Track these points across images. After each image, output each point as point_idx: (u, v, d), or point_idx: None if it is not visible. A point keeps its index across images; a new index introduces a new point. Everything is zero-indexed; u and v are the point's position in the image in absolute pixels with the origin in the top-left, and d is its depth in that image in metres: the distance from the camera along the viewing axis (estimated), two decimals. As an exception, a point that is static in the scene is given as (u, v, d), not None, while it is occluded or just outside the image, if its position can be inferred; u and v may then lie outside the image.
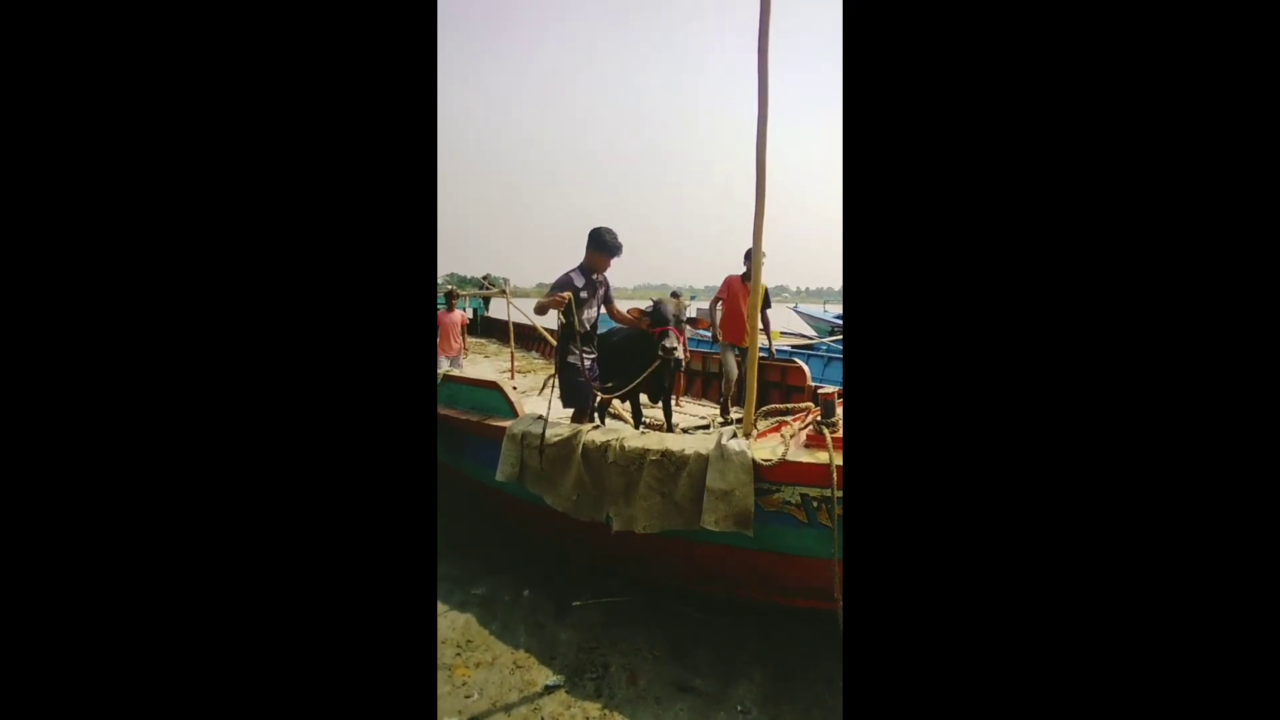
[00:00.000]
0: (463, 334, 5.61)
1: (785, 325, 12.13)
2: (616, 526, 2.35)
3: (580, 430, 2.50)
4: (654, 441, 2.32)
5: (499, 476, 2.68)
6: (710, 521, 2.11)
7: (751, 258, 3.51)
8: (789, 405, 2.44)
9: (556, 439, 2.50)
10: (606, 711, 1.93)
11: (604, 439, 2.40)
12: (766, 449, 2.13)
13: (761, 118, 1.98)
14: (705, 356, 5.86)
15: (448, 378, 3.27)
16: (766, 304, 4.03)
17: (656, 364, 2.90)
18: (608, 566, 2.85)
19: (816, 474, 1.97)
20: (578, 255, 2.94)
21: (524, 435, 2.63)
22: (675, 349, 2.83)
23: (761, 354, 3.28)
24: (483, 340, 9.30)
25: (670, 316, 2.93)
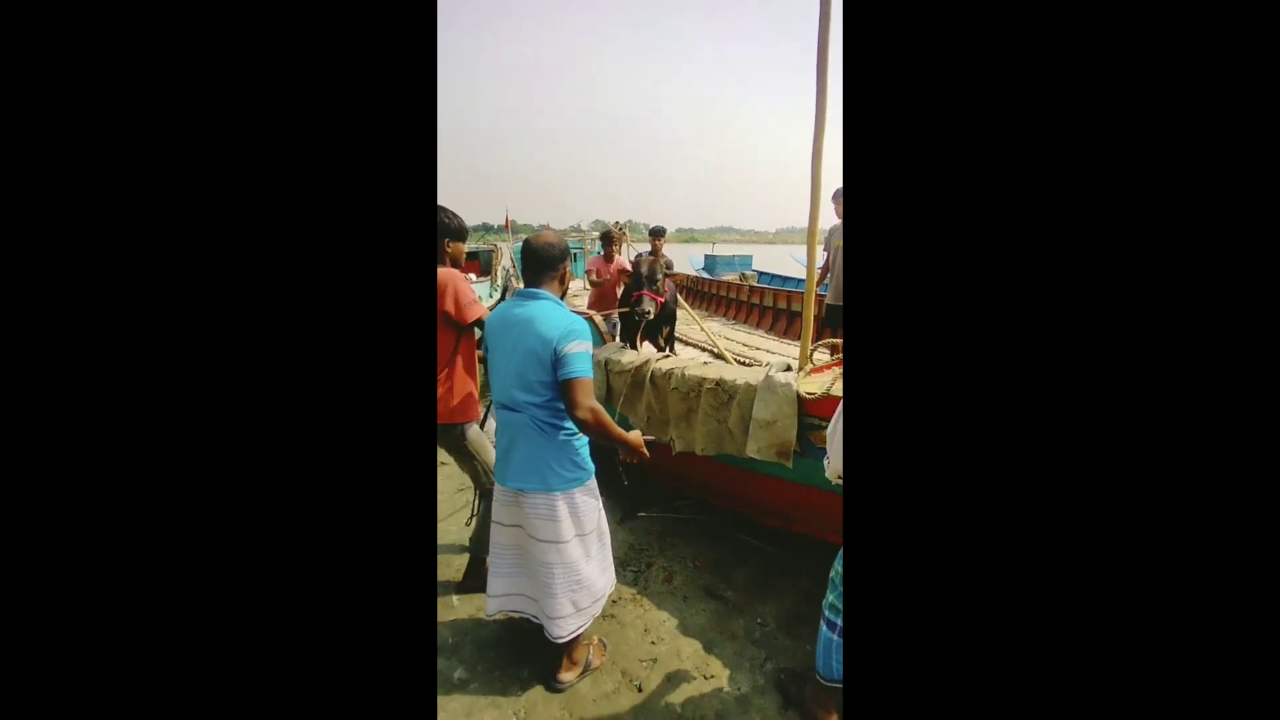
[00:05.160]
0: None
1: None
2: (678, 448, 2.53)
3: (649, 360, 2.69)
4: (712, 371, 2.43)
5: None
6: (753, 450, 2.20)
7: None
8: (832, 341, 2.36)
9: (630, 366, 2.73)
10: (637, 596, 2.19)
11: (668, 367, 2.57)
12: (816, 383, 2.12)
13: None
14: (789, 296, 5.97)
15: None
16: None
17: (641, 322, 3.40)
18: (677, 488, 3.07)
19: (857, 411, 1.94)
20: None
21: (607, 361, 2.90)
22: (649, 312, 3.34)
23: None
24: None
25: (644, 279, 3.37)
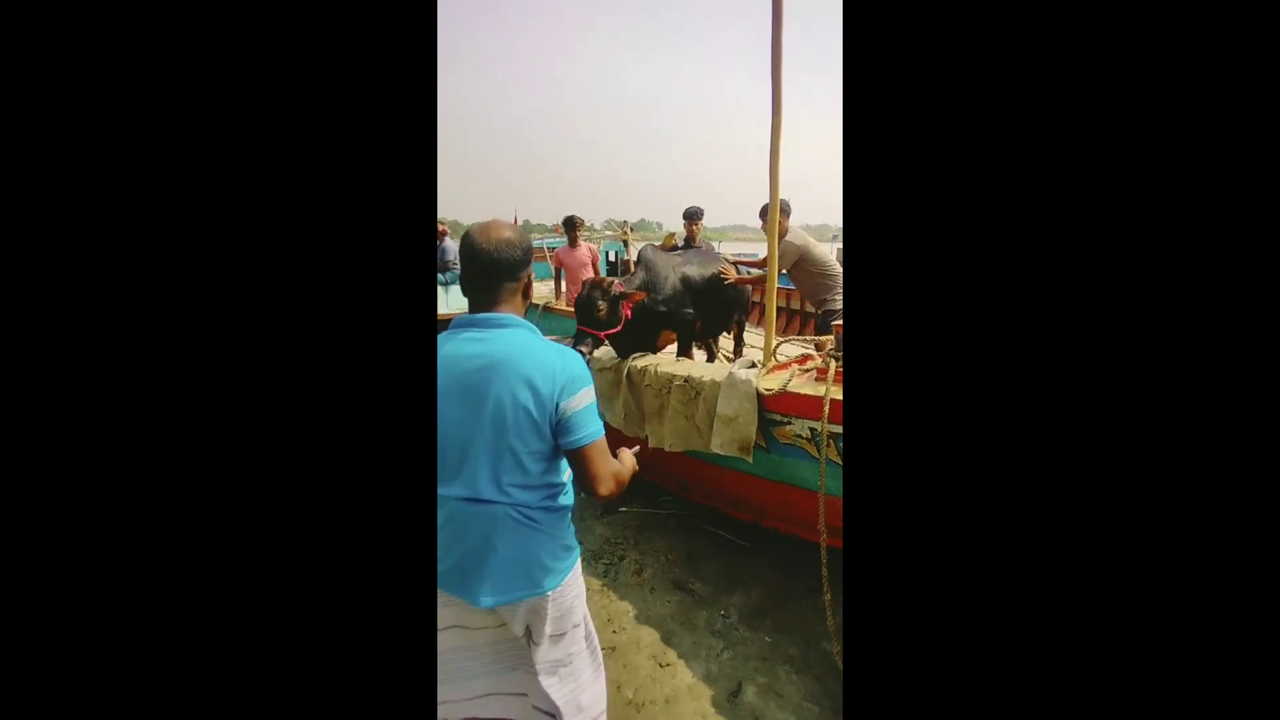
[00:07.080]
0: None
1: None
2: (651, 443, 2.59)
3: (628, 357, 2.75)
4: (681, 369, 2.48)
5: None
6: (717, 445, 2.24)
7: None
8: (813, 338, 2.38)
9: (610, 364, 2.79)
10: (605, 588, 2.25)
11: (643, 365, 2.63)
12: (776, 380, 2.16)
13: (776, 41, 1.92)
14: (789, 294, 5.97)
15: (547, 309, 3.73)
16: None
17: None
18: (658, 484, 3.13)
19: (811, 406, 1.97)
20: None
21: (591, 359, 2.97)
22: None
23: None
24: None
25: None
